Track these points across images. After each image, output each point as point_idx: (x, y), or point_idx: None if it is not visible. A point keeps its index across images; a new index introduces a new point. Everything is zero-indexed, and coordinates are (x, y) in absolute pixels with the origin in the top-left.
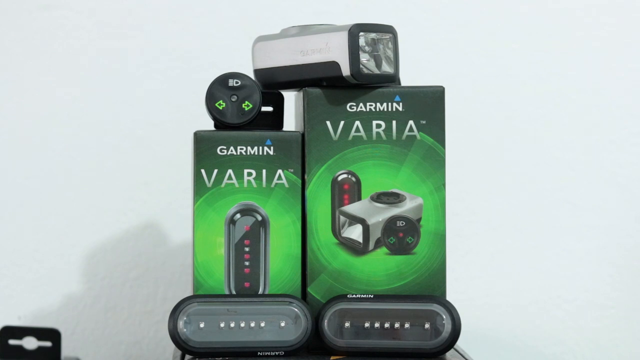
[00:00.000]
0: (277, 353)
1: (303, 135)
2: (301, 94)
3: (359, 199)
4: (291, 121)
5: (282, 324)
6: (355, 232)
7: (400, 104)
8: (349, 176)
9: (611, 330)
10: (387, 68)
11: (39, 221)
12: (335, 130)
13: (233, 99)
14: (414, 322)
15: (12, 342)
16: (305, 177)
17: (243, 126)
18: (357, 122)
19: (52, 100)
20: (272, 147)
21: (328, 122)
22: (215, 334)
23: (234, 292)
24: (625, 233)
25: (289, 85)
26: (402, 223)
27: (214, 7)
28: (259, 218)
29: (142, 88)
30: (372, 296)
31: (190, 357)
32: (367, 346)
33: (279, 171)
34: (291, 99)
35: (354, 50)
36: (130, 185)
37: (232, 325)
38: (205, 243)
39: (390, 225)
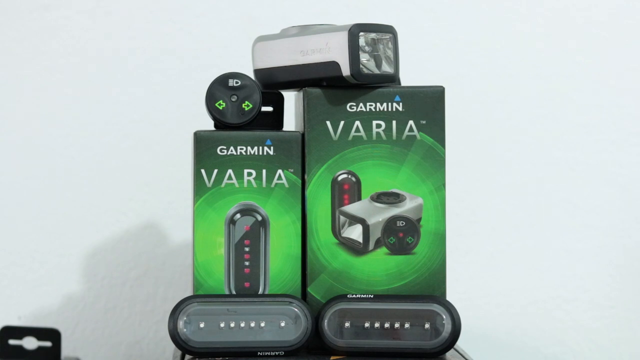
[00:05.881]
0: (277, 353)
1: (303, 135)
2: (301, 94)
3: (359, 199)
4: (291, 121)
5: (282, 324)
6: (355, 232)
7: (400, 104)
8: (349, 176)
9: (611, 330)
10: (387, 68)
11: (39, 221)
12: (335, 130)
13: (233, 99)
14: (414, 322)
15: (12, 342)
16: (305, 177)
17: (243, 126)
18: (357, 122)
19: (52, 100)
20: (272, 147)
21: (328, 122)
22: (215, 334)
23: (234, 292)
24: (625, 233)
25: (289, 85)
26: (402, 223)
27: (214, 7)
28: (259, 218)
29: (142, 88)
30: (372, 296)
31: (190, 357)
32: (367, 346)
33: (279, 171)
34: (291, 99)
35: (354, 50)
36: (130, 185)
37: (232, 325)
38: (205, 243)
39: (390, 225)
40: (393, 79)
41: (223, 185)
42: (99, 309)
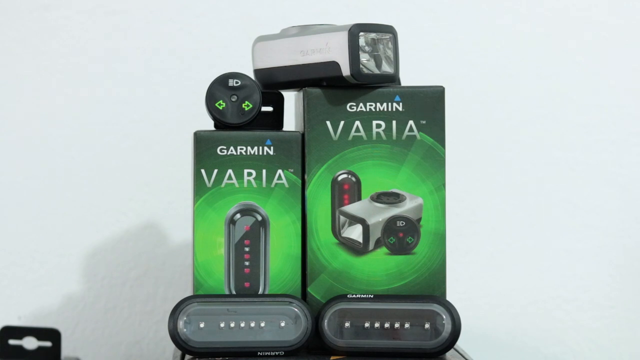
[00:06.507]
0: (277, 353)
1: (303, 135)
2: (301, 94)
3: (359, 199)
4: (291, 121)
5: (282, 324)
6: (355, 232)
7: (400, 104)
8: (349, 176)
9: (611, 330)
10: (387, 68)
11: (39, 221)
12: (335, 130)
13: (233, 99)
14: (414, 322)
15: (12, 342)
16: (305, 177)
17: (243, 126)
18: (357, 122)
19: (52, 100)
20: (272, 147)
21: (328, 122)
22: (215, 334)
23: (234, 292)
24: (625, 233)
25: (289, 85)
26: (402, 223)
27: (214, 7)
28: (259, 218)
29: (142, 88)
30: (372, 296)
31: (190, 357)
32: (367, 346)
33: (279, 171)
34: (291, 99)
35: (354, 50)
36: (130, 185)
37: (232, 325)
38: (205, 243)
39: (390, 225)
40: (393, 79)
41: (223, 185)
42: (99, 309)
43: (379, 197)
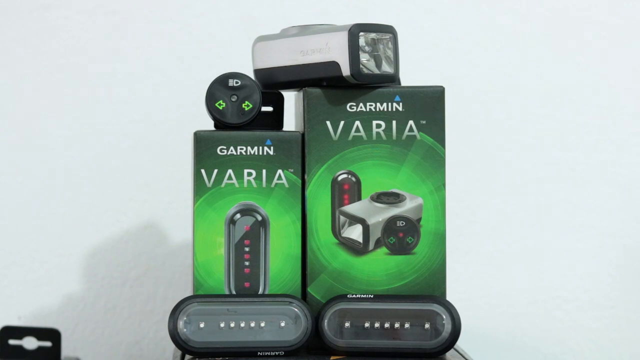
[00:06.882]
0: (277, 353)
1: (303, 135)
2: (301, 94)
3: (359, 199)
4: (291, 121)
5: (282, 324)
6: (355, 232)
7: (400, 104)
8: (349, 176)
9: (611, 330)
10: (387, 68)
11: (39, 221)
12: (335, 130)
13: (233, 99)
14: (414, 322)
15: (12, 342)
16: (305, 177)
17: (243, 126)
18: (357, 122)
19: (52, 100)
20: (272, 147)
21: (328, 122)
22: (215, 334)
23: (234, 292)
24: (625, 233)
25: (289, 85)
26: (402, 223)
27: (214, 7)
28: (259, 218)
29: (142, 88)
30: (372, 296)
31: (190, 357)
32: (367, 346)
33: (279, 171)
34: (291, 99)
35: (354, 50)
36: (130, 185)
37: (232, 325)
38: (205, 243)
39: (390, 225)
40: (393, 79)
41: (223, 185)
42: (99, 309)
43: (379, 197)
